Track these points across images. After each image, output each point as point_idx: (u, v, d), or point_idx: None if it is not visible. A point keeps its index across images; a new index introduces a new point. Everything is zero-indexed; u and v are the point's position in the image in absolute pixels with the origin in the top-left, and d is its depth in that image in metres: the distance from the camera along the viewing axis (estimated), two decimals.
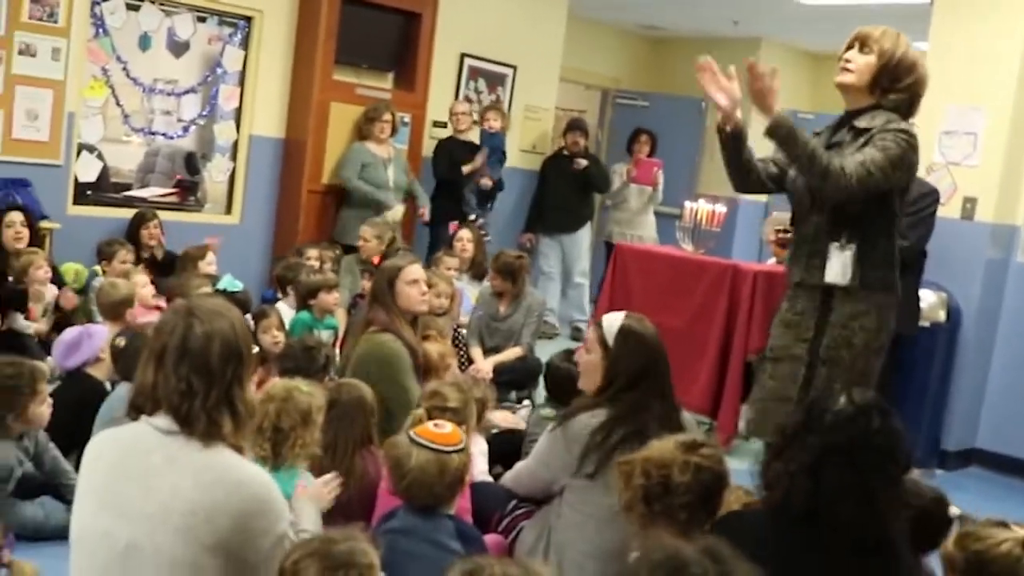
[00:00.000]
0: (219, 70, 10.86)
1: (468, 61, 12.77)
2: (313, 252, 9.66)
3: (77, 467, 3.87)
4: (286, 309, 8.36)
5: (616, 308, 6.89)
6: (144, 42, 10.34)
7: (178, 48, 10.61)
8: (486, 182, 11.62)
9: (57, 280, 8.57)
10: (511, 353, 8.59)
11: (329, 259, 9.74)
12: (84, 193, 10.15)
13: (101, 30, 9.98)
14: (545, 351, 8.21)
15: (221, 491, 3.29)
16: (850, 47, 5.41)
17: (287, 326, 7.87)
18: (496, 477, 5.60)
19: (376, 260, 9.06)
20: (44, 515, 5.34)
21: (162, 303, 8.06)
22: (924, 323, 8.21)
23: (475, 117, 12.04)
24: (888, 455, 3.34)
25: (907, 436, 3.48)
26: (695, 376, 7.70)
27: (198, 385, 3.33)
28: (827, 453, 3.26)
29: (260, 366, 6.25)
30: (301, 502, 4.20)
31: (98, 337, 6.48)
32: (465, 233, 10.20)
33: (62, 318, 8.32)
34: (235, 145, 11.11)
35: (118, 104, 10.27)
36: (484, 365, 8.44)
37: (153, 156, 10.70)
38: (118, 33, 10.11)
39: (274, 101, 11.17)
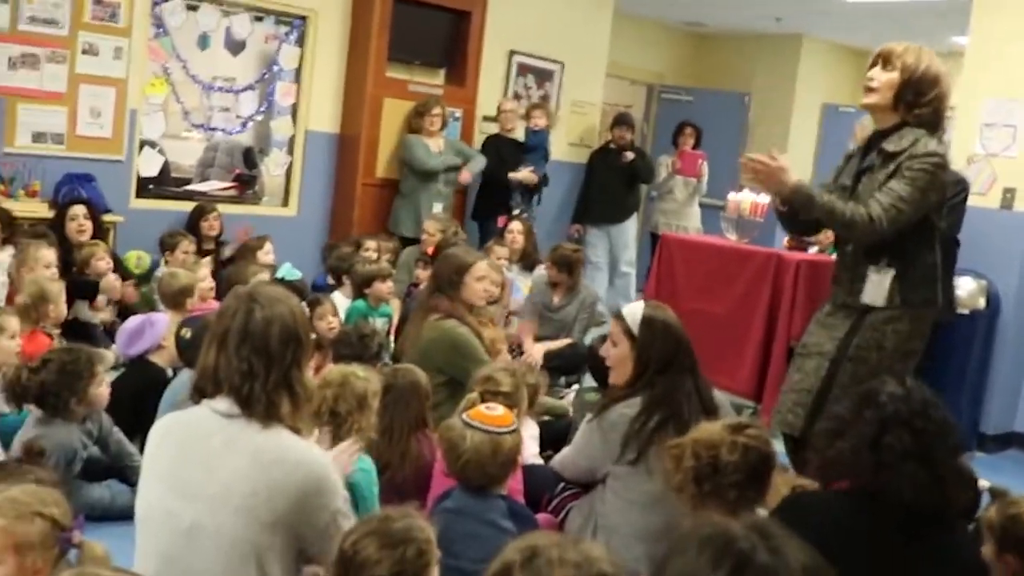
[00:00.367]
0: (276, 68, 10.89)
1: (517, 58, 12.73)
2: (372, 243, 9.70)
3: (141, 451, 3.89)
4: (341, 298, 8.37)
5: (662, 297, 6.92)
6: (203, 41, 10.37)
7: (236, 47, 10.64)
8: (529, 178, 11.56)
9: (120, 271, 8.62)
10: (561, 342, 8.57)
11: (387, 251, 9.78)
12: (146, 187, 10.21)
13: (161, 30, 10.03)
14: (592, 338, 8.17)
15: (280, 471, 3.32)
16: (873, 65, 5.37)
17: (342, 314, 7.88)
18: (546, 460, 5.60)
19: (431, 250, 9.07)
20: (111, 496, 5.38)
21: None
22: (964, 310, 8.19)
23: (521, 113, 12.03)
24: (943, 426, 3.33)
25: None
26: (740, 362, 7.66)
27: (258, 367, 3.38)
28: (887, 424, 3.25)
29: (316, 352, 6.25)
30: None
31: (160, 325, 6.50)
32: (516, 225, 10.18)
33: (125, 307, 8.39)
34: (291, 140, 11.14)
35: (178, 101, 10.31)
36: (534, 350, 8.43)
37: (212, 151, 10.74)
38: (178, 32, 10.15)
39: (329, 97, 11.19)
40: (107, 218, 9.22)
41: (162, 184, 10.37)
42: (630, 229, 12.94)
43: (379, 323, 7.87)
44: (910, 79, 5.23)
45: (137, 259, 9.18)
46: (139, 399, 5.90)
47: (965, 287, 8.25)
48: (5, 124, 9.04)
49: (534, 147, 11.85)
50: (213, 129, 10.65)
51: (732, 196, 8.36)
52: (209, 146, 10.70)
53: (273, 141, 11.07)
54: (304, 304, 6.85)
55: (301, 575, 3.50)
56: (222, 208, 10.04)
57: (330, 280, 9.21)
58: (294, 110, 11.10)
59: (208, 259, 9.19)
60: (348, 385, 4.66)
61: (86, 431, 5.31)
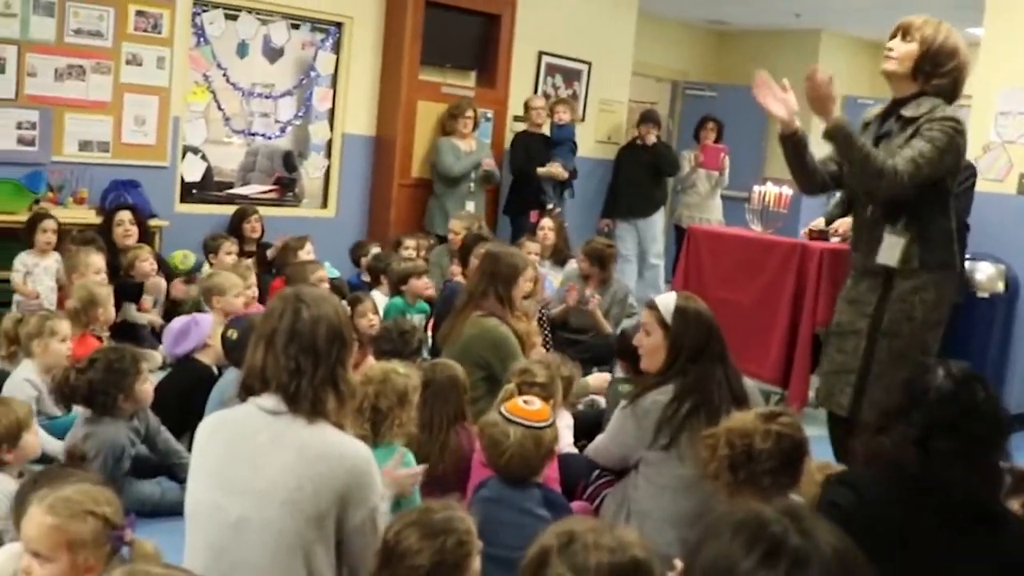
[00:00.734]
0: (313, 73, 10.92)
1: (545, 58, 12.75)
2: (411, 242, 9.71)
3: (189, 447, 3.90)
4: (380, 297, 8.37)
5: (691, 287, 6.91)
6: (242, 49, 10.40)
7: (274, 54, 10.65)
8: (559, 171, 11.53)
9: (166, 273, 8.68)
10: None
11: (424, 249, 9.78)
12: (190, 192, 10.26)
13: (202, 39, 10.06)
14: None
15: (324, 465, 3.33)
16: (893, 36, 5.36)
17: (381, 311, 7.87)
18: (580, 449, 5.58)
19: (458, 243, 9.07)
20: (161, 492, 5.38)
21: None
22: (983, 294, 8.20)
23: (548, 111, 12.01)
24: (993, 424, 3.28)
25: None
26: (766, 349, 7.65)
27: (306, 365, 3.41)
28: (934, 427, 3.18)
29: (357, 349, 6.24)
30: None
31: (205, 325, 6.49)
32: (547, 221, 10.15)
33: (173, 308, 8.44)
34: (329, 143, 11.17)
35: (219, 108, 10.36)
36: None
37: (253, 155, 10.74)
38: (218, 41, 10.19)
39: (365, 101, 11.20)
40: (153, 222, 9.25)
41: (205, 189, 10.40)
42: (658, 222, 12.88)
43: (416, 319, 7.87)
44: (928, 50, 5.24)
45: (183, 257, 9.27)
46: (186, 397, 5.90)
47: (984, 271, 8.25)
48: (53, 133, 9.07)
49: (561, 142, 11.84)
50: (253, 134, 10.66)
51: (756, 188, 8.33)
52: (250, 151, 10.70)
53: (311, 145, 11.08)
54: (345, 303, 6.92)
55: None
56: (263, 211, 10.07)
57: (365, 278, 9.24)
58: (331, 114, 11.12)
59: (250, 261, 9.21)
60: (389, 382, 4.65)
61: (133, 428, 5.31)
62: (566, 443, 5.59)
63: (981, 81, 8.61)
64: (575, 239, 10.21)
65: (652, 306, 4.96)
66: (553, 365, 5.58)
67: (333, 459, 3.35)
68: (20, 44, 8.82)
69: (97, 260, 7.64)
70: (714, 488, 4.06)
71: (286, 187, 10.99)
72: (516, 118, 12.12)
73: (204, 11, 10.03)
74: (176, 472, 5.47)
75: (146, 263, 8.36)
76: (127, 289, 8.20)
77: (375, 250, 9.68)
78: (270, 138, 10.78)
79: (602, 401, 6.66)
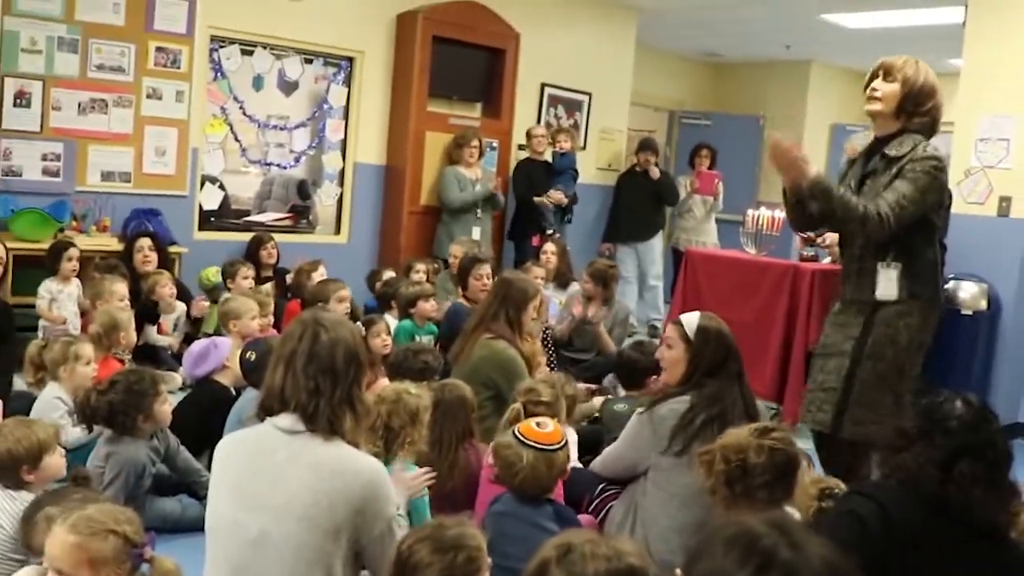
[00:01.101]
0: (325, 106, 10.92)
1: (548, 90, 12.76)
2: (421, 266, 9.72)
3: (208, 466, 3.90)
4: (390, 320, 8.36)
5: (688, 307, 6.91)
6: (257, 83, 10.40)
7: (288, 87, 10.65)
8: (560, 197, 11.53)
9: (185, 297, 8.70)
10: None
11: (433, 272, 9.79)
12: (208, 219, 10.25)
13: (219, 73, 10.08)
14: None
15: (340, 481, 3.33)
16: (874, 76, 5.39)
17: (392, 333, 7.86)
18: (584, 464, 5.57)
19: (455, 270, 9.09)
20: (181, 509, 5.35)
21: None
22: (967, 311, 8.36)
23: (550, 139, 12.02)
24: (1007, 451, 3.30)
25: None
26: (762, 366, 7.66)
27: (324, 385, 3.43)
28: (960, 452, 3.19)
29: (369, 369, 6.24)
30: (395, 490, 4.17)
31: (223, 348, 6.50)
32: (550, 246, 10.14)
33: (195, 331, 8.54)
34: (341, 172, 11.17)
35: (236, 139, 10.36)
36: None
37: (269, 184, 10.73)
38: (234, 76, 10.21)
39: (375, 132, 11.21)
40: (173, 249, 9.26)
41: (223, 216, 10.39)
42: (656, 246, 12.93)
43: (425, 340, 7.86)
44: (911, 91, 5.28)
45: (214, 272, 9.43)
46: (205, 417, 5.90)
47: (967, 290, 8.43)
48: (77, 164, 9.08)
49: (562, 170, 11.84)
50: (269, 164, 10.66)
51: (751, 212, 8.36)
52: (265, 180, 10.70)
53: (325, 174, 11.07)
54: (360, 324, 6.94)
55: None
56: (279, 237, 10.08)
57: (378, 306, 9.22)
58: (343, 144, 11.12)
59: (268, 286, 9.26)
60: (401, 401, 4.66)
61: (153, 448, 5.30)
62: (571, 458, 5.59)
63: (962, 109, 8.73)
64: (577, 263, 10.20)
65: (677, 322, 5.04)
66: (557, 384, 5.57)
67: (348, 475, 3.35)
68: (45, 79, 8.84)
69: (120, 287, 7.64)
70: (713, 502, 4.06)
71: (301, 214, 10.98)
72: (520, 146, 12.14)
73: (221, 47, 10.04)
74: (196, 490, 5.46)
75: (165, 288, 8.39)
76: (148, 313, 8.24)
77: (388, 275, 9.68)
78: (285, 168, 10.77)
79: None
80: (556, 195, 11.52)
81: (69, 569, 3.20)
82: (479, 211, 11.06)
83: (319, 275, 9.20)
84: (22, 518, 3.96)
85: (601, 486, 5.19)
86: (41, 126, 8.87)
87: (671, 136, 17.18)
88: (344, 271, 9.81)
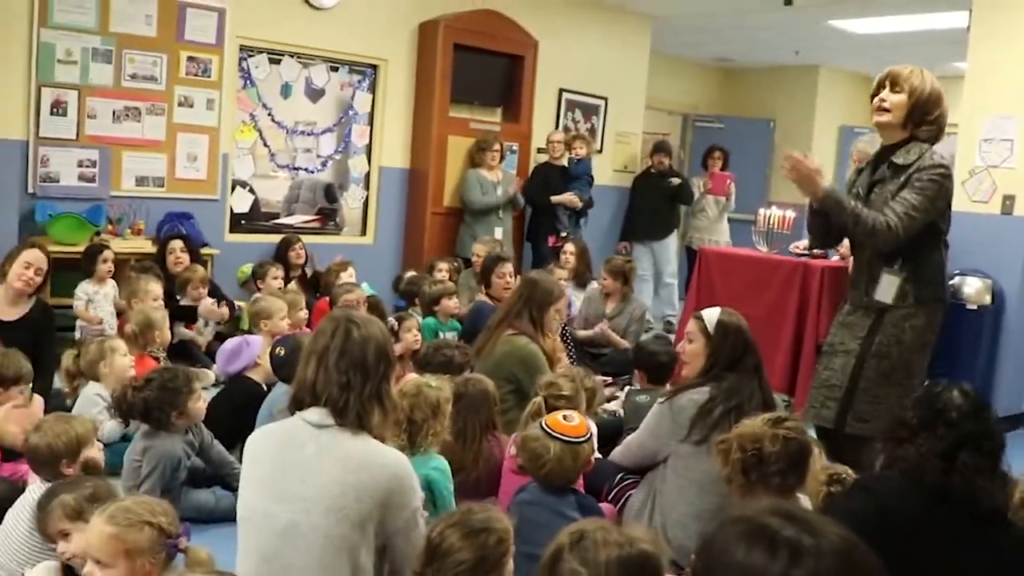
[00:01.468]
0: (351, 112, 10.92)
1: (566, 95, 12.76)
2: (444, 265, 9.71)
3: (240, 458, 3.88)
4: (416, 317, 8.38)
5: (703, 303, 6.91)
6: (285, 90, 10.41)
7: (315, 94, 10.66)
8: (574, 201, 11.52)
9: (216, 295, 8.75)
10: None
11: (455, 271, 9.78)
12: (239, 222, 10.26)
13: (248, 82, 10.09)
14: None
15: (366, 474, 3.33)
16: (881, 86, 5.34)
17: None
18: (604, 455, 5.55)
19: (478, 268, 9.14)
20: (215, 500, 5.36)
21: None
22: (972, 306, 8.36)
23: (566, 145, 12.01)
24: (1002, 440, 3.35)
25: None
26: (773, 360, 7.64)
27: (355, 380, 3.43)
28: (961, 443, 3.23)
29: (399, 363, 6.24)
30: None
31: (255, 345, 6.53)
32: (569, 246, 10.15)
33: (231, 330, 8.61)
34: (367, 176, 11.17)
35: (265, 145, 10.37)
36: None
37: (297, 188, 10.74)
38: (263, 84, 10.22)
39: (399, 137, 11.21)
40: (205, 251, 9.30)
41: (253, 219, 10.40)
42: (671, 245, 12.91)
43: (449, 336, 7.85)
44: (918, 101, 5.21)
45: (249, 268, 9.53)
46: (238, 412, 5.91)
47: (972, 286, 8.41)
48: (112, 170, 9.10)
49: (578, 175, 11.81)
50: (297, 168, 10.66)
51: (762, 211, 8.35)
52: (294, 184, 10.70)
53: (351, 177, 11.08)
54: (393, 320, 6.98)
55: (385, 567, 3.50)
56: (307, 239, 10.09)
57: (402, 302, 9.24)
58: (368, 149, 11.13)
59: (293, 284, 9.33)
60: (422, 395, 4.66)
61: (188, 442, 5.30)
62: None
63: (966, 110, 8.69)
64: (595, 262, 10.18)
65: (698, 317, 5.06)
66: (577, 378, 5.56)
67: (374, 468, 3.35)
68: (81, 89, 8.86)
69: (154, 287, 7.69)
70: (729, 489, 4.06)
71: (328, 217, 10.98)
72: (539, 150, 12.13)
73: (250, 56, 10.05)
74: (229, 482, 5.45)
75: (196, 290, 8.45)
76: (185, 314, 8.31)
77: (409, 273, 9.72)
78: (312, 172, 10.78)
79: (621, 411, 6.68)
80: (568, 197, 11.51)
81: (106, 559, 3.24)
82: (500, 212, 11.07)
83: (347, 275, 9.27)
84: (38, 505, 3.97)
85: (620, 475, 5.20)
86: (77, 134, 8.89)
87: (685, 139, 17.20)
88: (370, 271, 9.88)
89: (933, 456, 3.21)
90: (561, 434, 4.32)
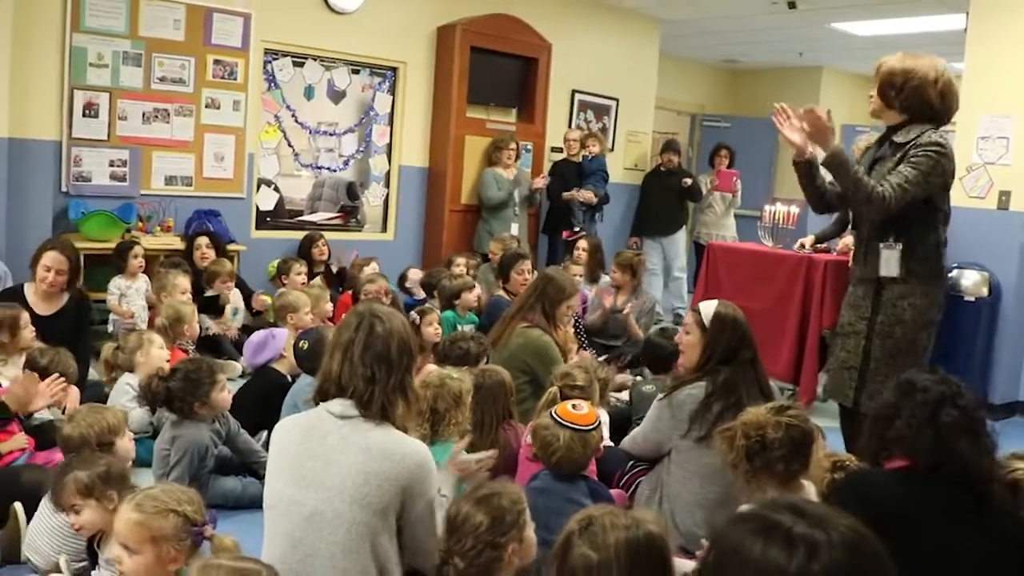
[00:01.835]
0: (372, 113, 10.92)
1: (578, 96, 12.75)
2: (461, 260, 9.73)
3: (267, 447, 3.89)
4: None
5: (710, 296, 6.92)
6: (308, 92, 10.41)
7: (337, 96, 10.66)
8: (588, 197, 11.53)
9: (244, 290, 8.80)
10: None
11: (472, 266, 9.77)
12: (264, 220, 10.26)
13: (273, 84, 10.09)
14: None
15: (389, 463, 3.33)
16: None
17: None
18: (615, 443, 5.55)
19: (498, 260, 9.11)
20: (242, 487, 5.34)
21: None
22: (970, 298, 8.40)
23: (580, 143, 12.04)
24: (977, 402, 3.34)
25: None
26: (778, 350, 7.67)
27: (379, 373, 3.44)
28: (940, 402, 3.26)
29: (420, 354, 6.25)
30: (446, 472, 4.15)
31: (280, 338, 6.54)
32: (582, 243, 10.14)
33: (256, 317, 8.73)
34: (387, 175, 11.17)
35: (289, 145, 10.37)
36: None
37: (320, 186, 10.73)
38: (287, 86, 10.22)
39: (418, 136, 11.22)
40: (231, 247, 9.32)
41: (277, 217, 10.40)
42: (680, 240, 12.90)
43: (467, 329, 7.84)
44: (885, 80, 5.30)
45: (277, 264, 9.44)
46: (264, 402, 5.91)
47: (970, 278, 8.45)
48: (142, 170, 9.11)
49: (592, 172, 11.81)
50: (320, 168, 10.66)
51: (767, 207, 8.35)
52: (317, 182, 10.69)
53: (372, 176, 11.07)
54: (416, 313, 6.99)
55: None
56: (329, 235, 10.12)
57: (419, 296, 9.24)
58: (389, 149, 11.12)
59: (318, 279, 9.36)
60: (445, 386, 4.68)
61: (215, 431, 5.30)
62: (603, 437, 5.59)
63: (964, 109, 8.56)
64: (606, 257, 10.17)
65: (695, 310, 5.03)
66: (591, 368, 5.59)
67: (397, 457, 3.35)
68: (112, 91, 8.87)
69: (183, 282, 7.71)
70: (734, 476, 4.05)
71: (349, 214, 10.98)
72: (553, 149, 12.16)
73: (274, 59, 10.05)
74: (256, 470, 5.45)
75: (224, 285, 8.47)
76: (212, 306, 8.34)
77: (435, 268, 9.69)
78: (334, 171, 10.77)
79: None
80: (585, 193, 11.51)
81: (133, 544, 3.26)
82: (516, 208, 11.07)
83: (371, 269, 9.25)
84: (54, 478, 4.01)
85: (631, 463, 5.20)
86: (108, 135, 8.91)
87: (693, 138, 17.19)
88: (391, 266, 9.86)
89: (923, 425, 3.24)
90: (570, 422, 4.32)
